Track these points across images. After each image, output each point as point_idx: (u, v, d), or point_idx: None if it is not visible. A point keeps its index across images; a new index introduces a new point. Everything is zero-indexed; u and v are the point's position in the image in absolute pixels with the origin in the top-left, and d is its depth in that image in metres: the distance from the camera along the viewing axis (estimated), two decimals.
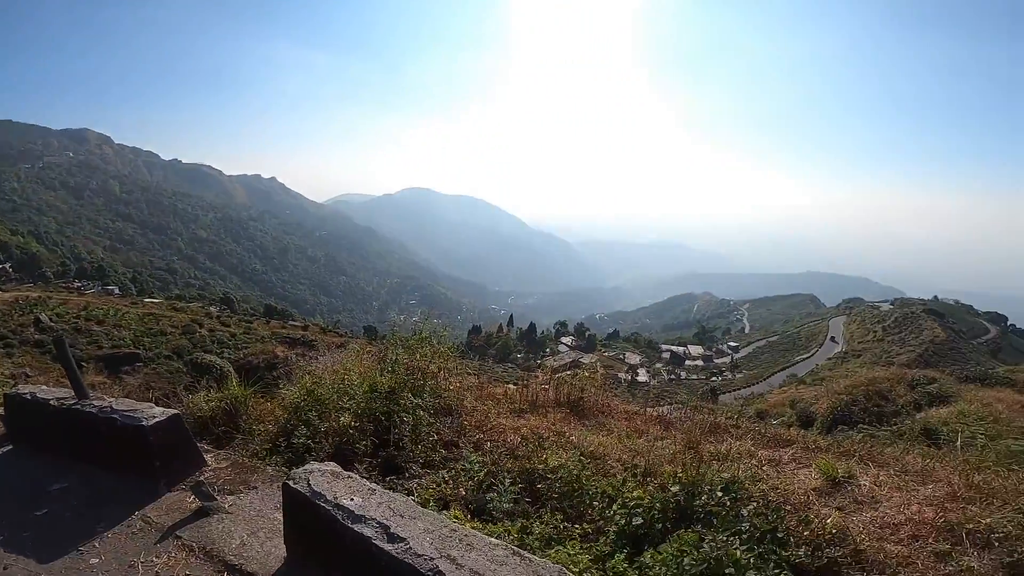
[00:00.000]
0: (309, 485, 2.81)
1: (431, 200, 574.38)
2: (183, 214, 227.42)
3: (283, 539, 3.13)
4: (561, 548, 3.53)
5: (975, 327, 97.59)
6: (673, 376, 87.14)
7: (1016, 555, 3.42)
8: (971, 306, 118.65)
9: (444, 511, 3.79)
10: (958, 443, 7.52)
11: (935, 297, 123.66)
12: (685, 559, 3.21)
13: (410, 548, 2.24)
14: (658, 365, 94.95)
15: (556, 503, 4.14)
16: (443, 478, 4.34)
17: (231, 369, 13.53)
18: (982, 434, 10.79)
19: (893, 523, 3.88)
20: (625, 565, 3.45)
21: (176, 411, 4.13)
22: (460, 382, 5.88)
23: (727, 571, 3.09)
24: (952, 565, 3.42)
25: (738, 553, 3.18)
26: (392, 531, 2.35)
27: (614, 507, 3.99)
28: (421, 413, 4.87)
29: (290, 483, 2.90)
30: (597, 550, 3.67)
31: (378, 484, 4.11)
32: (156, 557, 3.14)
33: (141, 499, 3.66)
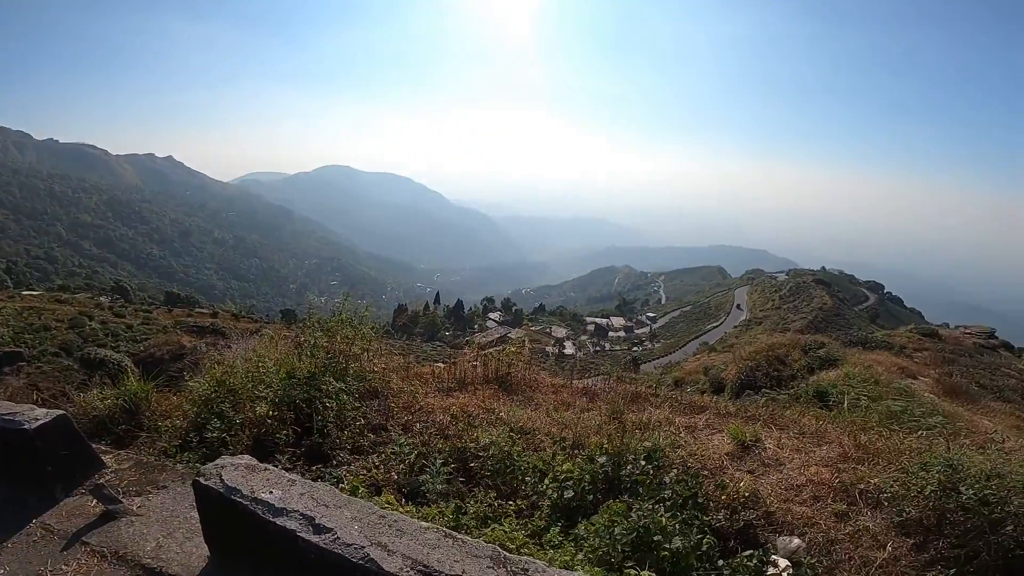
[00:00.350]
0: (222, 480, 2.65)
1: (350, 178, 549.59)
2: (62, 197, 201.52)
3: (204, 538, 2.97)
4: (497, 526, 3.56)
5: (857, 295, 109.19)
6: (598, 348, 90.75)
7: (904, 515, 3.85)
8: (853, 276, 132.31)
9: (376, 497, 3.71)
10: (845, 405, 8.41)
11: (823, 268, 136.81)
12: (616, 529, 3.33)
13: (338, 538, 2.18)
14: (583, 337, 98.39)
15: (489, 481, 4.17)
16: (373, 463, 4.24)
17: (129, 363, 12.34)
18: (865, 395, 12.15)
19: (796, 484, 4.27)
20: (560, 538, 3.54)
21: (63, 411, 3.76)
22: (386, 363, 5.73)
23: (655, 538, 3.24)
24: (851, 525, 3.82)
25: (663, 520, 3.35)
26: (318, 522, 2.27)
27: (546, 481, 4.08)
28: (345, 397, 4.70)
29: (200, 480, 2.73)
30: (533, 525, 3.74)
31: (303, 474, 3.95)
32: (64, 565, 2.91)
33: (37, 507, 3.38)
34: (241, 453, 3.65)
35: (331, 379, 4.78)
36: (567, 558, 3.26)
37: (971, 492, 3.72)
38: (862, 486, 4.15)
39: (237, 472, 2.71)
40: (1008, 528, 3.56)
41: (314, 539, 2.21)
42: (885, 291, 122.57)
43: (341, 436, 4.48)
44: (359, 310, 5.84)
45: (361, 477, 4.03)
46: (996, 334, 26.03)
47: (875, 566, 3.52)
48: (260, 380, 4.78)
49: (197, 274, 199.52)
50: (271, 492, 2.50)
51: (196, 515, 3.05)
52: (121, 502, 3.38)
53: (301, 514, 2.34)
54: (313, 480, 3.13)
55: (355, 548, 2.11)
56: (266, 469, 2.79)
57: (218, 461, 2.90)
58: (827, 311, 77.14)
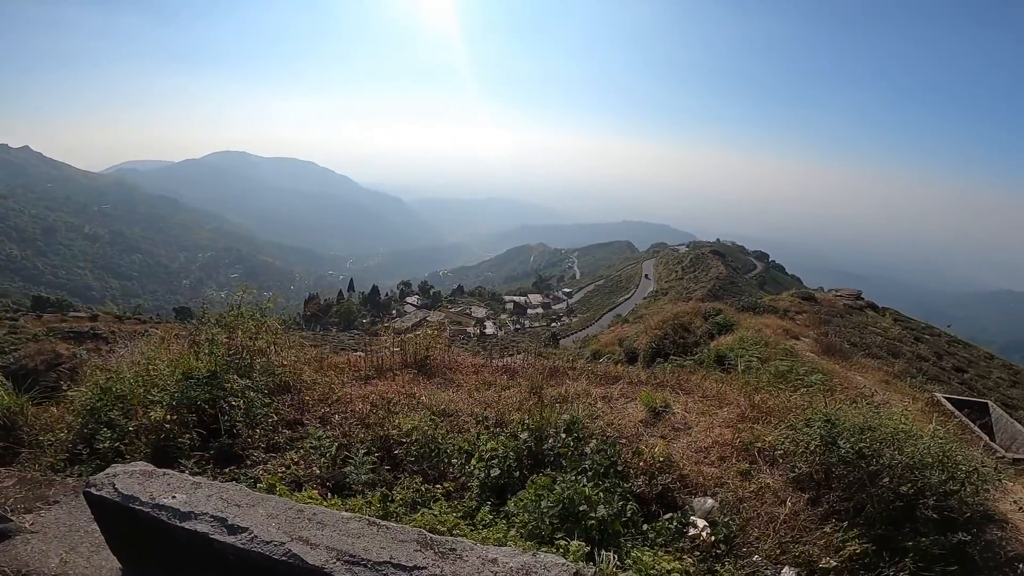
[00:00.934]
0: (116, 489, 2.48)
1: (247, 164, 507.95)
2: None
3: (111, 550, 2.77)
4: (427, 510, 3.55)
5: (747, 264, 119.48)
6: (518, 326, 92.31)
7: (797, 471, 4.25)
8: (743, 246, 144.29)
9: (297, 493, 3.56)
10: (740, 368, 9.21)
11: (718, 240, 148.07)
12: (542, 502, 3.43)
13: (256, 536, 2.10)
14: (503, 316, 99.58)
15: (415, 466, 4.14)
16: (292, 459, 4.06)
17: None
18: (757, 357, 13.37)
19: (704, 446, 4.63)
20: (491, 516, 3.60)
21: None
22: (296, 356, 5.46)
23: (581, 508, 3.38)
24: (754, 483, 4.20)
25: (587, 490, 3.50)
26: (231, 523, 2.18)
27: (472, 462, 4.11)
28: (252, 395, 4.43)
29: (92, 490, 2.54)
30: (464, 506, 3.76)
31: (215, 477, 3.70)
32: None
33: None
34: (141, 461, 3.38)
35: (235, 376, 4.50)
36: (499, 535, 3.31)
37: (848, 446, 4.07)
38: (759, 445, 4.56)
39: (132, 479, 2.53)
40: (884, 480, 3.91)
41: (229, 540, 2.12)
42: (770, 259, 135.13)
43: (253, 435, 4.23)
44: (262, 302, 5.49)
45: (279, 475, 3.85)
46: (863, 296, 29.54)
47: (779, 522, 3.84)
48: (152, 384, 4.40)
49: (68, 275, 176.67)
50: (174, 496, 2.36)
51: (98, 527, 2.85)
52: (11, 520, 3.16)
53: (211, 516, 2.23)
54: (228, 482, 2.98)
55: (275, 545, 2.04)
56: (165, 474, 2.61)
57: (109, 470, 2.71)
58: (723, 280, 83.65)
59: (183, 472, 3.18)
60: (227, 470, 3.97)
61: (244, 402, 4.35)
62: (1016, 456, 8.50)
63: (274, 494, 3.03)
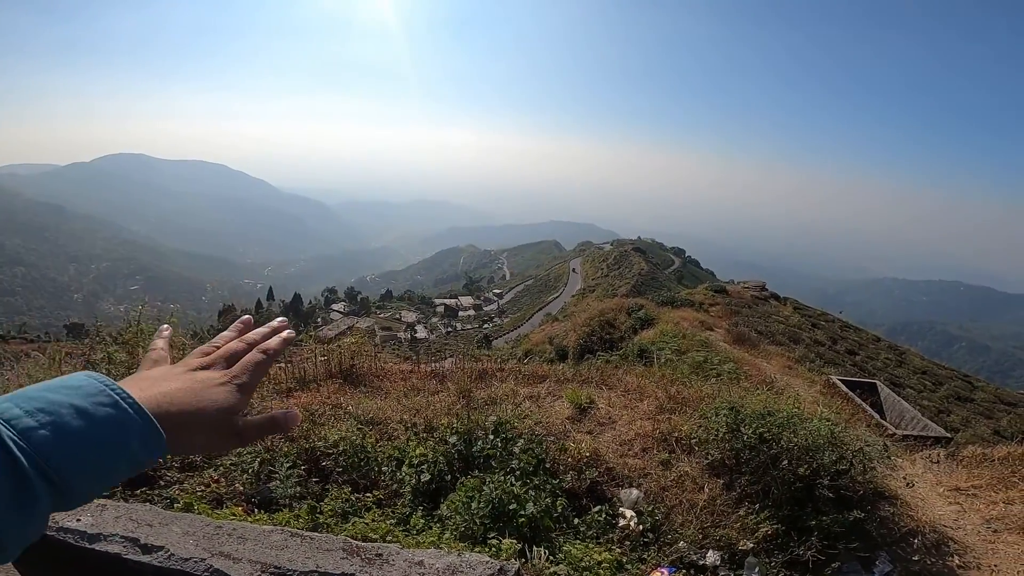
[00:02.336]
0: None
1: (146, 167, 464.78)
2: None
3: None
4: (358, 519, 3.48)
5: (665, 260, 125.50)
6: (450, 328, 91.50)
7: (710, 458, 4.45)
8: (662, 243, 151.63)
9: (218, 510, 3.38)
10: (660, 360, 9.66)
11: (639, 237, 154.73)
12: (473, 503, 3.47)
13: (173, 554, 1.98)
14: (434, 320, 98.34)
15: (344, 476, 4.04)
16: (211, 477, 3.84)
17: None
18: (675, 349, 14.11)
19: (627, 439, 4.82)
20: (424, 521, 3.58)
21: None
22: None
23: (511, 507, 3.45)
24: (675, 472, 4.42)
25: (516, 489, 3.57)
26: (144, 542, 2.04)
27: (403, 468, 4.08)
28: None
29: None
30: (397, 513, 3.72)
31: (126, 500, 3.42)
32: None
33: None
34: None
35: None
36: (433, 539, 3.32)
37: (751, 431, 4.27)
38: (676, 435, 4.79)
39: None
40: (784, 463, 4.12)
41: (145, 559, 1.99)
42: (687, 255, 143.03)
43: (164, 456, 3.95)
44: (166, 315, 5.12)
45: (198, 493, 3.62)
46: (767, 286, 31.95)
47: (699, 508, 4.04)
48: None
49: None
50: (78, 520, 2.18)
51: None
52: None
53: (122, 536, 2.09)
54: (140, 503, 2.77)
55: (195, 561, 1.94)
56: None
57: None
58: (644, 275, 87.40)
59: None
60: (138, 492, 3.69)
61: None
62: (905, 433, 9.03)
63: (192, 512, 2.86)
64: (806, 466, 4.12)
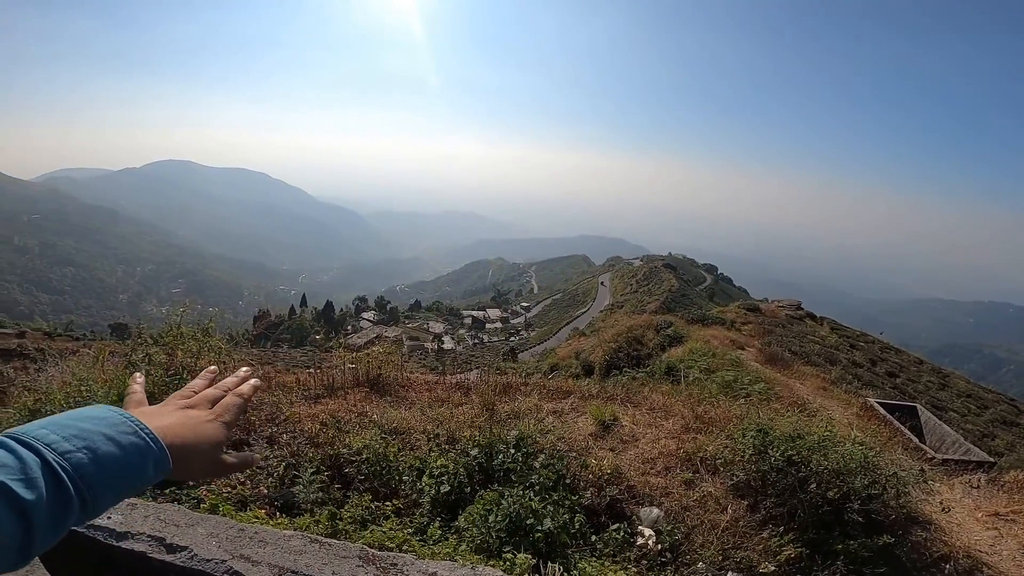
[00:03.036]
0: None
1: (192, 173, 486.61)
2: None
3: (49, 572, 2.59)
4: (376, 527, 3.52)
5: (697, 276, 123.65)
6: (476, 340, 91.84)
7: (735, 479, 4.37)
8: (693, 260, 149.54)
9: (242, 512, 3.47)
10: (688, 379, 9.47)
11: (670, 253, 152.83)
12: (490, 517, 3.47)
13: (196, 555, 2.04)
14: (461, 331, 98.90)
15: (366, 484, 4.10)
16: (238, 480, 3.95)
17: None
18: (704, 368, 13.81)
19: (650, 457, 4.75)
20: (441, 532, 3.60)
21: None
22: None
23: (528, 521, 3.43)
24: (697, 492, 4.33)
25: (534, 504, 3.56)
26: (169, 542, 2.11)
27: (423, 479, 4.11)
28: None
29: None
30: (415, 523, 3.75)
31: (152, 499, 3.54)
32: None
33: None
34: None
35: None
36: (449, 550, 3.33)
37: (778, 454, 4.19)
38: (701, 454, 4.70)
39: None
40: (812, 486, 4.02)
41: (169, 558, 2.05)
42: (719, 272, 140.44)
43: None
44: (205, 319, 5.31)
45: (224, 495, 3.73)
46: (803, 305, 31.08)
47: (721, 528, 3.95)
48: (84, 405, 4.16)
49: None
50: (108, 517, 2.27)
51: None
52: None
53: (149, 535, 2.16)
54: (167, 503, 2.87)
55: (216, 563, 2.00)
56: None
57: None
58: (675, 292, 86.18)
59: None
60: (167, 492, 3.83)
61: None
62: (945, 457, 8.75)
63: (217, 514, 2.95)
64: (836, 490, 4.03)
